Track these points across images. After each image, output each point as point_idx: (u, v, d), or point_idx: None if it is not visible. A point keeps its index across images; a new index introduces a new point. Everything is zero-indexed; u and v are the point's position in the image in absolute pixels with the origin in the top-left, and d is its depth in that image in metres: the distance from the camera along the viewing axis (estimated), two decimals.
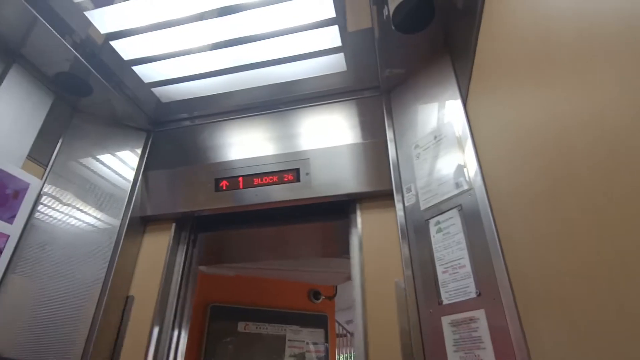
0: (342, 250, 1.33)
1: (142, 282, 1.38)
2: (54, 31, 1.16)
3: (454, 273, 0.97)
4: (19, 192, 1.22)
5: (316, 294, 2.61)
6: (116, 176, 1.48)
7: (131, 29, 1.21)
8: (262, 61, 1.33)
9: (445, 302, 0.97)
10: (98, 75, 1.34)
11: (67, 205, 1.33)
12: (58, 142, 1.40)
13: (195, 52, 1.29)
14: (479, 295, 0.90)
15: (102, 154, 1.50)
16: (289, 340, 2.41)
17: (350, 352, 5.05)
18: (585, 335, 0.53)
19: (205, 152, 1.54)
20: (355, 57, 1.32)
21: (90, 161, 1.45)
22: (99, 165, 1.46)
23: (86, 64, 1.28)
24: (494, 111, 0.88)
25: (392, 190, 1.22)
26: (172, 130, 1.64)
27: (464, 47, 1.04)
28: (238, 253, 1.97)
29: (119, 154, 1.54)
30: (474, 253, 0.94)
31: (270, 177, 1.39)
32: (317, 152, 1.39)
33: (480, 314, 0.88)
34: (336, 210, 1.40)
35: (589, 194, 0.48)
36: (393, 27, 1.12)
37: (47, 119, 1.36)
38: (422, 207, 1.11)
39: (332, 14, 1.16)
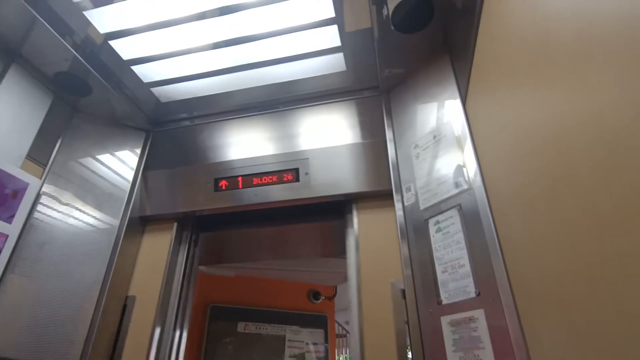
0: (341, 250, 1.33)
1: (143, 282, 1.37)
2: (53, 31, 1.16)
3: (454, 273, 0.97)
4: (18, 192, 1.22)
5: (316, 294, 2.61)
6: (115, 176, 1.47)
7: (130, 28, 1.21)
8: (261, 61, 1.33)
9: (444, 302, 0.97)
10: (97, 75, 1.34)
11: (66, 205, 1.33)
12: (57, 141, 1.40)
13: (195, 52, 1.29)
14: (478, 295, 0.90)
15: (102, 153, 1.49)
16: (288, 340, 2.41)
17: (349, 353, 5.05)
18: (584, 335, 0.53)
19: (204, 152, 1.53)
20: (354, 57, 1.32)
21: (89, 161, 1.45)
22: (98, 165, 1.46)
23: (85, 63, 1.28)
24: (493, 111, 0.88)
25: (392, 190, 1.22)
26: (172, 130, 1.64)
27: (463, 47, 1.04)
28: (238, 253, 1.97)
29: (118, 153, 1.54)
30: (473, 253, 0.95)
31: (270, 177, 1.38)
32: (316, 152, 1.39)
33: (479, 314, 0.88)
34: (334, 210, 1.41)
35: (588, 194, 0.48)
36: (392, 27, 1.12)
37: (47, 119, 1.36)
38: (422, 207, 1.11)
39: (331, 13, 1.16)
